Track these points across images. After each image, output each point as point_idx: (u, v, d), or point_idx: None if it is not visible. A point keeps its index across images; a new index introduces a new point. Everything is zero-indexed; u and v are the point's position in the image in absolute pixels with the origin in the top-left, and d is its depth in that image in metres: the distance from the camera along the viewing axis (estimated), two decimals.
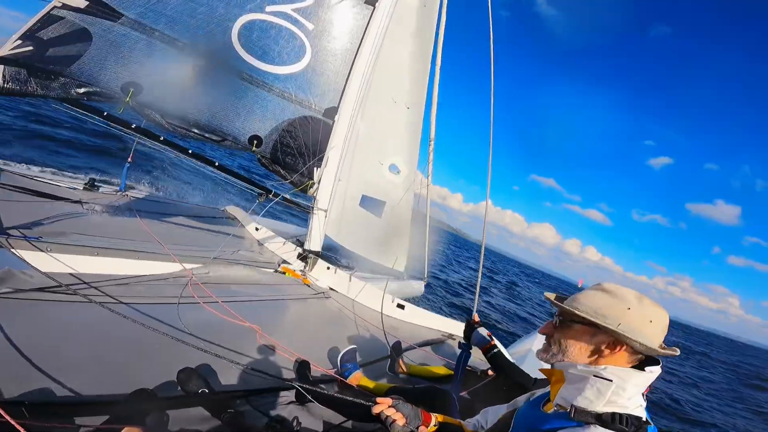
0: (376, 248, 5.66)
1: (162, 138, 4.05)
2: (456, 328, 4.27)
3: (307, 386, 1.79)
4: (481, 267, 3.04)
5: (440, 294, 12.87)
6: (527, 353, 4.37)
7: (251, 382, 2.14)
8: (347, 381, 2.45)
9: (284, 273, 4.27)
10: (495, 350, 2.37)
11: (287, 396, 2.14)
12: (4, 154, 7.35)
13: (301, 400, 2.10)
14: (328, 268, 4.54)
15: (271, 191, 4.54)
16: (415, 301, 4.60)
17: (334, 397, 1.69)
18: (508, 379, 2.34)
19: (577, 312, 1.07)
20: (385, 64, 5.03)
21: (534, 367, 2.49)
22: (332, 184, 4.47)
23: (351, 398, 1.59)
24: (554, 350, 1.13)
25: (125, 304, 2.46)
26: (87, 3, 3.42)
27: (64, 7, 3.35)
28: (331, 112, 4.43)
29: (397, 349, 3.05)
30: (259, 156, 4.37)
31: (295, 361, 2.49)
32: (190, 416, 1.77)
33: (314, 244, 4.55)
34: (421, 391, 2.27)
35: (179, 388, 1.89)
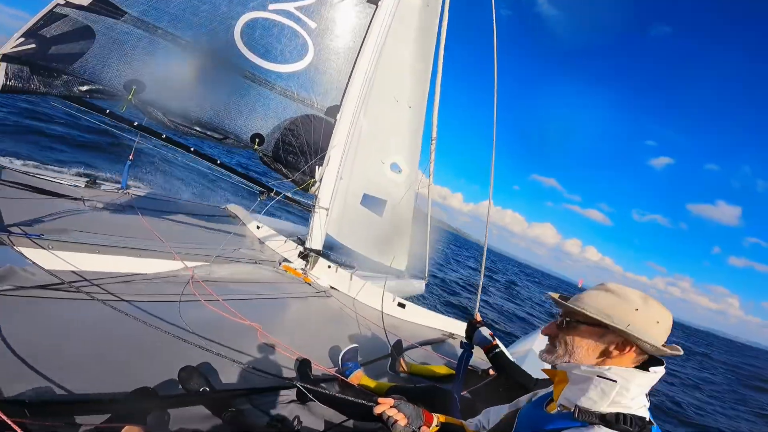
0: (377, 247, 5.66)
1: (164, 136, 4.06)
2: (457, 327, 4.26)
3: (309, 385, 1.79)
4: (483, 267, 3.04)
5: (436, 293, 12.81)
6: (527, 353, 4.37)
7: (252, 380, 2.14)
8: (348, 380, 2.45)
9: (285, 271, 4.27)
10: (497, 350, 2.36)
11: (288, 395, 2.14)
12: None
13: (302, 399, 2.10)
14: (329, 266, 4.54)
15: (273, 189, 4.53)
16: (412, 299, 4.61)
17: (335, 397, 1.69)
18: (510, 379, 2.34)
19: (586, 312, 1.06)
20: (388, 63, 5.03)
21: (534, 367, 2.49)
22: (334, 182, 4.46)
23: (352, 398, 1.58)
24: (560, 351, 1.12)
25: (126, 301, 2.46)
26: (90, 0, 3.42)
27: (68, 4, 3.35)
28: (333, 110, 4.43)
29: (398, 348, 3.05)
30: (261, 154, 4.36)
31: (296, 359, 2.49)
32: (191, 415, 1.77)
33: (315, 242, 4.55)
34: (422, 391, 2.27)
35: (180, 386, 1.89)
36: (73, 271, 2.60)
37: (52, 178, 4.56)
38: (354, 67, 4.42)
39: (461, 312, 11.10)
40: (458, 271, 21.89)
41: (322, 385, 2.31)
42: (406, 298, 4.44)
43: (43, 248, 2.70)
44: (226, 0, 3.89)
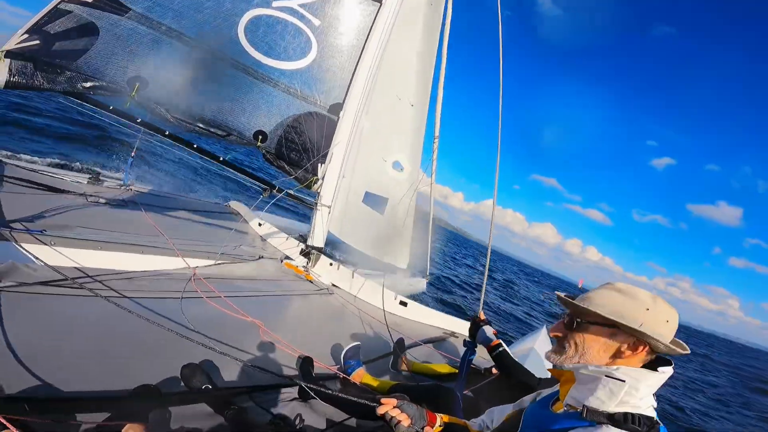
0: (378, 245, 5.66)
1: (167, 132, 4.06)
2: (458, 325, 4.26)
3: (311, 384, 1.79)
4: (487, 266, 3.02)
5: (431, 290, 12.67)
6: (529, 352, 4.37)
7: (254, 378, 2.13)
8: (350, 378, 2.45)
9: (287, 269, 4.27)
10: (500, 349, 2.36)
11: (290, 392, 2.13)
12: None
13: (304, 396, 2.10)
14: (331, 264, 4.55)
15: (276, 186, 4.53)
16: (413, 298, 4.61)
17: (337, 396, 1.69)
18: (513, 378, 2.33)
19: (599, 312, 1.05)
20: (390, 61, 5.01)
21: (537, 366, 2.48)
22: (336, 180, 4.46)
23: (355, 398, 1.57)
24: (570, 352, 1.10)
25: (129, 298, 2.45)
26: None
27: (72, 0, 3.35)
28: (336, 108, 4.42)
29: (401, 346, 3.05)
30: (263, 151, 4.36)
31: (298, 357, 2.49)
32: (193, 412, 1.77)
33: (317, 240, 4.55)
34: (425, 389, 2.27)
35: (183, 383, 1.89)
36: (75, 268, 2.60)
37: (55, 174, 4.57)
38: (357, 65, 4.41)
39: (455, 311, 11.04)
40: (455, 269, 21.82)
41: (324, 383, 2.31)
42: (407, 296, 4.44)
43: (46, 244, 2.70)
44: None
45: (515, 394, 1.69)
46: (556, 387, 1.23)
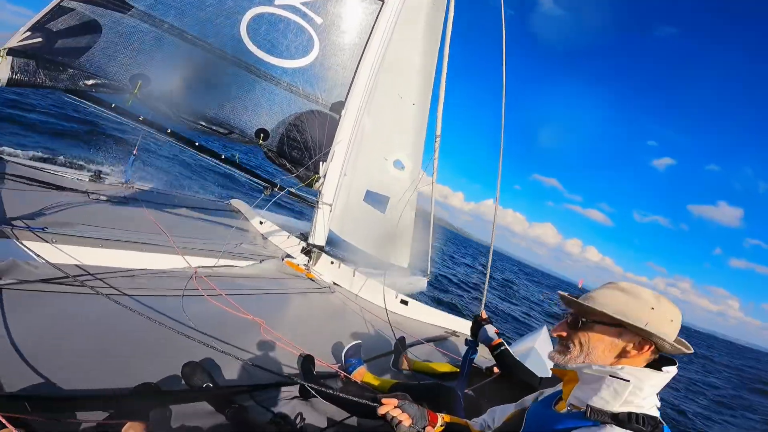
0: (379, 244, 5.66)
1: (169, 130, 4.05)
2: (459, 324, 4.26)
3: (312, 382, 1.78)
4: (489, 266, 3.02)
5: (428, 290, 12.54)
6: (530, 352, 4.36)
7: (255, 376, 2.13)
8: (351, 376, 2.44)
9: (288, 267, 4.27)
10: (502, 348, 2.35)
11: (291, 391, 2.13)
12: None
13: (304, 395, 2.09)
14: (332, 262, 4.54)
15: (277, 185, 4.53)
16: (414, 296, 4.60)
17: (338, 395, 1.68)
18: (514, 378, 2.33)
19: (605, 311, 1.04)
20: (392, 60, 5.01)
21: (537, 366, 2.48)
22: (338, 178, 4.46)
23: (356, 399, 1.56)
24: (575, 352, 1.09)
25: (129, 296, 2.45)
26: None
27: None
28: (338, 106, 4.41)
29: (402, 345, 3.04)
30: (265, 149, 4.36)
31: (299, 355, 2.48)
32: (194, 411, 1.76)
33: (318, 238, 4.54)
34: (426, 388, 2.26)
35: (183, 382, 1.88)
36: (76, 265, 2.60)
37: (56, 171, 4.57)
38: (359, 63, 4.40)
39: (450, 310, 10.98)
40: (453, 268, 21.75)
41: (325, 381, 2.31)
42: (408, 295, 4.44)
43: (47, 242, 2.70)
44: None
45: (516, 393, 1.68)
46: (559, 386, 1.22)
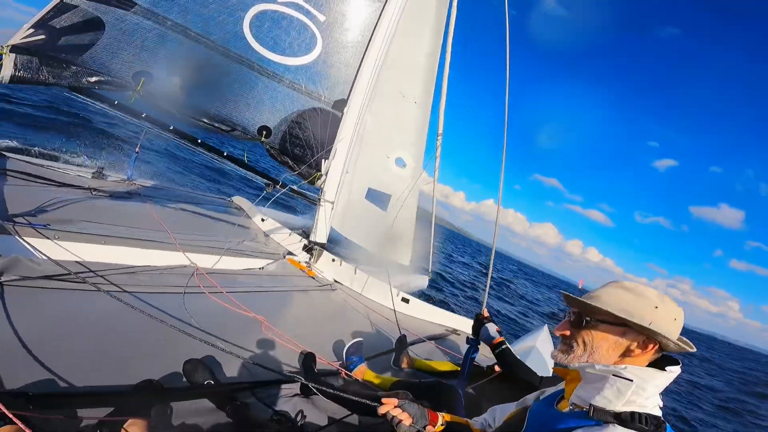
0: (380, 241, 5.65)
1: (171, 127, 4.05)
2: (460, 323, 4.26)
3: (313, 380, 1.78)
4: (491, 265, 3.02)
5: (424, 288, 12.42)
6: (530, 350, 4.36)
7: (256, 374, 2.13)
8: (352, 374, 2.45)
9: (290, 264, 4.27)
10: (503, 346, 2.35)
11: (292, 388, 2.13)
12: None
13: (305, 392, 2.10)
14: (334, 260, 4.54)
15: (279, 182, 4.53)
16: (415, 295, 4.60)
17: (339, 393, 1.68)
18: (515, 376, 2.33)
19: (610, 310, 1.04)
20: (395, 58, 5.00)
21: (538, 365, 2.48)
22: (340, 176, 4.46)
23: (357, 398, 1.56)
24: (578, 351, 1.08)
25: (131, 293, 2.45)
26: None
27: None
28: (341, 104, 4.41)
29: (403, 343, 3.04)
30: (267, 147, 4.36)
31: (300, 353, 2.49)
32: (195, 408, 1.76)
33: (320, 235, 4.54)
34: (427, 386, 2.26)
35: (185, 379, 1.88)
36: (78, 262, 2.59)
37: (58, 168, 4.57)
38: (362, 61, 4.40)
39: (445, 309, 10.85)
40: (451, 267, 21.66)
41: (326, 379, 2.31)
42: (409, 293, 4.44)
43: (49, 238, 2.70)
44: None
45: (517, 392, 1.68)
46: (560, 385, 1.22)
